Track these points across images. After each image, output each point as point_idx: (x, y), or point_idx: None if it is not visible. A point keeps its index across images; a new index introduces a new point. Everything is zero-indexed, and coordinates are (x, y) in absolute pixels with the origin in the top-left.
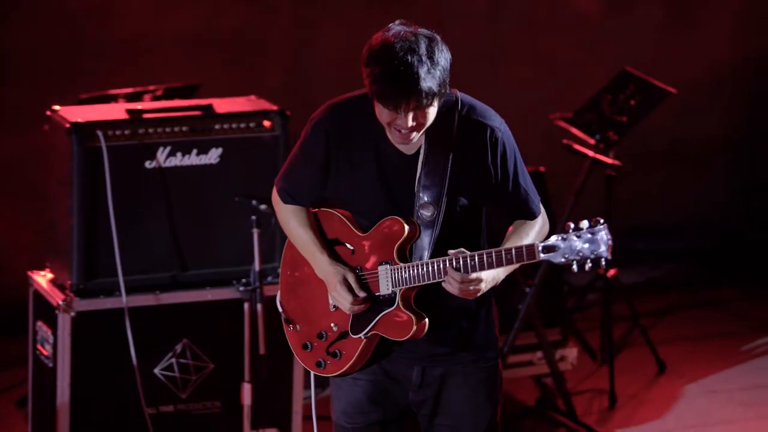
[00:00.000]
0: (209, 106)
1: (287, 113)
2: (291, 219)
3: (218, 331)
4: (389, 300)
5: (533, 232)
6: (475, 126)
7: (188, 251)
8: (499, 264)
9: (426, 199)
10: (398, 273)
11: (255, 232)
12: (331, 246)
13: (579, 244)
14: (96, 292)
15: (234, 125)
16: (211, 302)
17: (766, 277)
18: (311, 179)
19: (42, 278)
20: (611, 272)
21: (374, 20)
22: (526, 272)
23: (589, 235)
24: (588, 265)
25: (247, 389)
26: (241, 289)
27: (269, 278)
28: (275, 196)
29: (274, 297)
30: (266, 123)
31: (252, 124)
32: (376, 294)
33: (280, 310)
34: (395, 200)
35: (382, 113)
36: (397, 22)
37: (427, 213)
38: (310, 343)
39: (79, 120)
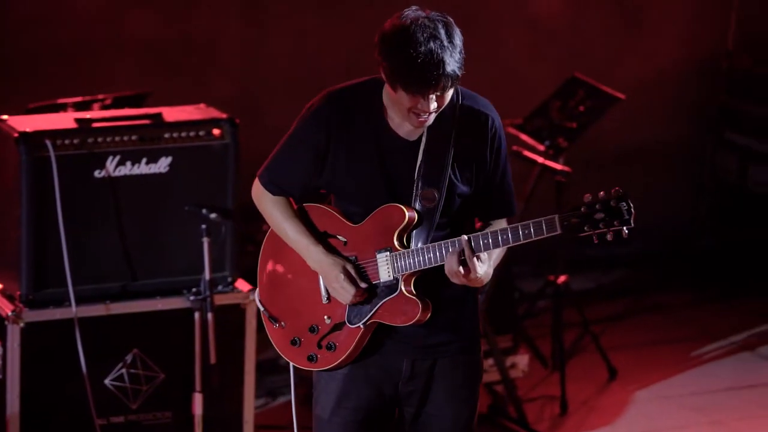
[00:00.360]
0: (159, 115)
1: (237, 121)
2: (277, 211)
3: (169, 340)
4: (391, 287)
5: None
6: (476, 115)
7: (138, 261)
8: (516, 240)
9: (426, 186)
10: (400, 259)
11: (205, 241)
12: (322, 239)
13: (601, 214)
14: (45, 303)
15: (184, 134)
16: (162, 312)
17: (716, 282)
18: (305, 167)
19: None
20: (561, 279)
21: (323, 28)
22: None
23: (612, 206)
24: (609, 236)
25: (198, 399)
26: (192, 298)
27: (219, 287)
28: (258, 189)
29: (225, 306)
30: (216, 131)
31: (202, 133)
32: (375, 282)
33: (262, 308)
34: (394, 187)
35: (402, 99)
36: (412, 7)
37: (427, 200)
38: (298, 339)
39: (28, 129)
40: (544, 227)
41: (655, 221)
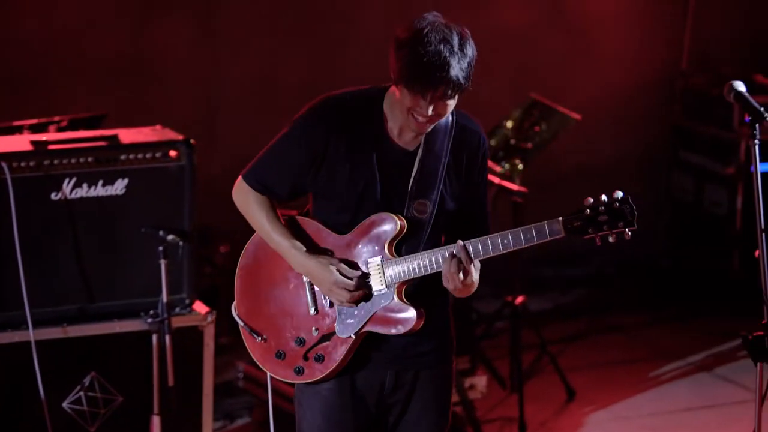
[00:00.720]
0: (115, 137)
1: (193, 143)
2: (261, 211)
3: (126, 363)
4: (383, 295)
5: None
6: (470, 132)
7: (95, 283)
8: (517, 244)
9: (419, 197)
10: (393, 266)
11: (162, 263)
12: (309, 249)
13: (605, 217)
14: (2, 326)
15: (140, 156)
16: (119, 334)
17: (673, 302)
18: (298, 167)
19: None
20: (519, 299)
21: (278, 49)
22: None
23: (615, 208)
24: (611, 238)
25: (156, 422)
26: (149, 320)
27: (177, 309)
28: (243, 188)
29: (183, 328)
30: (172, 153)
31: (158, 155)
32: (365, 292)
33: (241, 323)
34: (388, 195)
35: (405, 98)
36: (433, 12)
37: (420, 210)
38: (283, 352)
39: None
40: (547, 231)
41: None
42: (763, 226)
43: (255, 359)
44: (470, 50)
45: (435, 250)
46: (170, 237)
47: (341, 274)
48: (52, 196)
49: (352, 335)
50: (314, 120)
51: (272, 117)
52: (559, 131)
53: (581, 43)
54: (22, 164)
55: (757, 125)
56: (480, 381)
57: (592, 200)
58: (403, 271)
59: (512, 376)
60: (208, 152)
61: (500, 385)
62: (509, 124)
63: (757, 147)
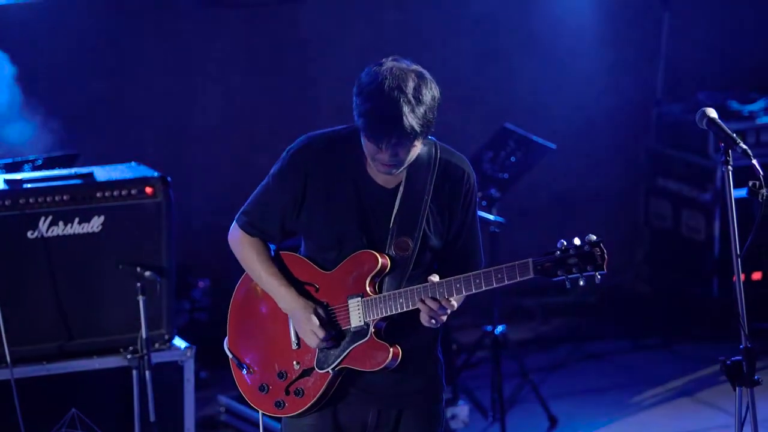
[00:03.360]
0: (90, 174)
1: (169, 179)
2: (252, 253)
3: (107, 399)
4: (361, 332)
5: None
6: (454, 169)
7: (74, 320)
8: (489, 284)
9: (401, 235)
10: (371, 305)
11: (141, 299)
12: (296, 286)
13: (573, 260)
14: None
15: (116, 193)
16: (99, 371)
17: (653, 328)
18: (282, 209)
19: None
20: (499, 329)
21: (251, 85)
22: None
23: (586, 251)
24: (582, 281)
25: None
26: (129, 357)
27: (157, 345)
28: (235, 231)
29: (163, 364)
30: (148, 189)
31: (134, 191)
32: (344, 328)
33: (230, 355)
34: (370, 233)
35: (366, 145)
36: (390, 57)
37: (402, 248)
38: (267, 385)
39: None
40: (517, 271)
41: None
42: (739, 252)
43: (241, 391)
44: (428, 95)
45: (413, 288)
46: (148, 273)
47: (319, 317)
48: (29, 234)
49: (330, 370)
50: (293, 162)
51: (247, 152)
52: (535, 161)
53: (555, 71)
54: None
55: (730, 151)
56: (462, 411)
57: (564, 242)
58: (381, 309)
59: (494, 406)
60: (181, 189)
61: (482, 415)
62: (485, 154)
63: (731, 173)
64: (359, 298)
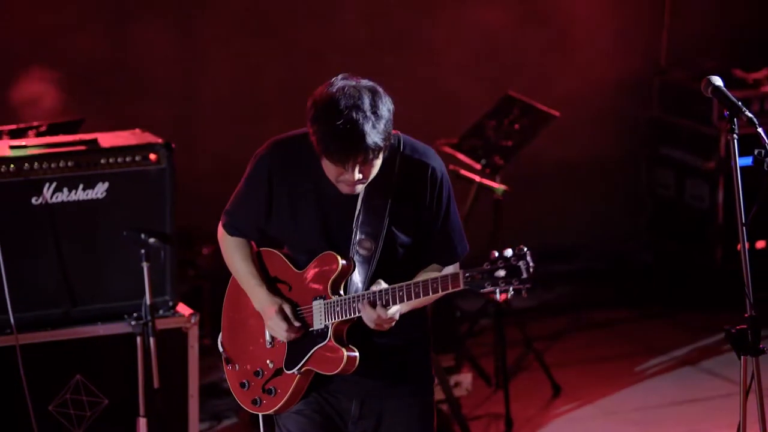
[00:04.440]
0: (94, 141)
1: (173, 146)
2: (234, 252)
3: (111, 366)
4: (322, 334)
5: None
6: (417, 165)
7: (79, 287)
8: (425, 293)
9: (364, 236)
10: (330, 307)
11: (145, 265)
12: (272, 283)
13: (502, 273)
14: None
15: (120, 159)
16: (103, 337)
17: (656, 297)
18: (255, 213)
19: None
20: (502, 297)
21: (257, 52)
22: None
23: (513, 263)
24: (510, 293)
25: (142, 424)
26: (133, 323)
27: (161, 312)
28: (220, 229)
29: (167, 330)
30: (152, 156)
31: (138, 158)
32: (311, 329)
33: (221, 349)
34: (332, 236)
35: (329, 168)
36: (339, 76)
37: (364, 250)
38: (247, 382)
39: None
40: (449, 282)
41: (594, 237)
42: (743, 220)
43: (229, 386)
44: (384, 109)
45: (367, 292)
46: (152, 240)
47: (281, 312)
48: (33, 200)
49: (296, 372)
50: (257, 166)
51: (251, 119)
52: (539, 129)
53: (559, 40)
54: (2, 169)
55: (735, 120)
56: (465, 378)
57: (496, 254)
58: (339, 313)
59: (497, 373)
60: (188, 155)
61: (486, 383)
62: (489, 121)
63: (735, 141)
64: (322, 300)
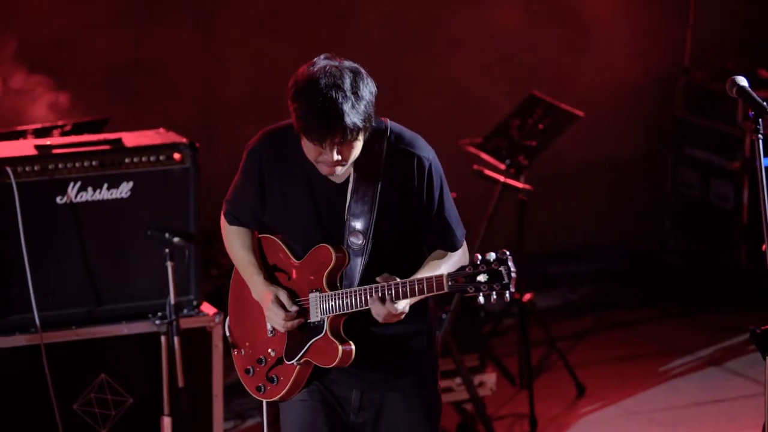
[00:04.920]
0: (119, 140)
1: (197, 145)
2: (234, 240)
3: (136, 365)
4: (318, 327)
5: (446, 265)
6: (403, 155)
7: (103, 286)
8: (412, 294)
9: (355, 226)
10: (326, 301)
11: (169, 264)
12: (270, 271)
13: (484, 277)
14: (11, 329)
15: (144, 158)
16: (128, 336)
17: (681, 297)
18: (251, 203)
19: None
20: (527, 296)
21: (278, 51)
22: (441, 299)
23: (494, 268)
24: (493, 297)
25: (166, 423)
26: (158, 322)
27: (185, 311)
28: (221, 218)
29: (191, 329)
30: (176, 156)
31: (162, 157)
32: (308, 321)
33: (227, 333)
34: (325, 227)
35: (308, 148)
36: (322, 56)
37: (356, 241)
38: (252, 368)
39: None
40: (434, 285)
41: (619, 237)
42: None
43: (237, 372)
44: (366, 90)
45: (360, 288)
46: (176, 239)
47: (277, 300)
48: (58, 200)
49: (295, 363)
50: (248, 158)
51: (272, 117)
52: (562, 129)
53: (582, 40)
54: (27, 169)
55: (760, 120)
56: (489, 378)
57: (479, 258)
58: (334, 307)
59: (522, 373)
60: (210, 154)
61: (510, 382)
62: (513, 121)
63: (760, 142)
64: (318, 293)
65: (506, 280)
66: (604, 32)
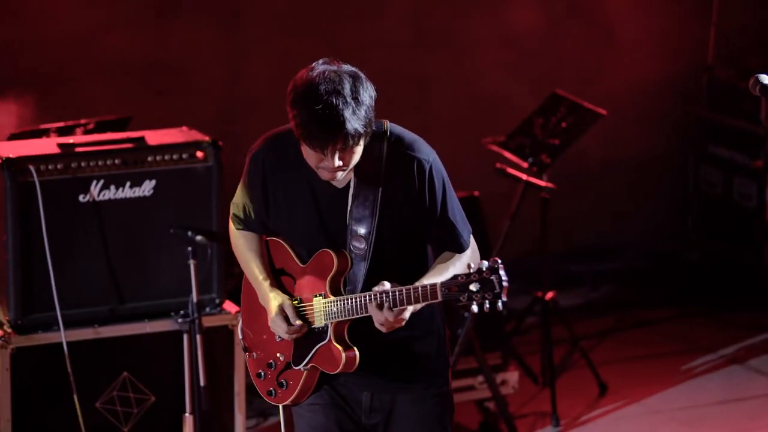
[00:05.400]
0: (142, 139)
1: (220, 144)
2: (241, 245)
3: (158, 363)
4: (323, 333)
5: (453, 267)
6: (403, 157)
7: (125, 284)
8: (408, 302)
9: (358, 231)
10: (329, 306)
11: (191, 263)
12: (277, 275)
13: (476, 286)
14: (34, 327)
15: (167, 157)
16: (150, 334)
17: (703, 296)
18: (255, 209)
19: None
20: (549, 295)
21: (301, 49)
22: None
23: (486, 277)
24: (486, 306)
25: (188, 421)
26: (180, 320)
27: (207, 309)
28: (230, 224)
29: (213, 328)
30: (199, 154)
31: (185, 156)
32: (313, 327)
33: (240, 337)
34: (328, 232)
35: (308, 154)
36: (321, 60)
37: (359, 245)
38: (263, 372)
39: (11, 155)
40: (428, 293)
41: (641, 236)
42: None
43: (250, 375)
44: (366, 95)
45: (364, 294)
46: (199, 237)
47: (281, 311)
48: (80, 198)
49: (302, 368)
50: (252, 161)
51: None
52: (585, 127)
53: (604, 38)
54: (50, 167)
55: None
56: (512, 377)
57: (471, 267)
58: (337, 312)
59: (544, 371)
60: (232, 152)
61: (532, 381)
62: (536, 120)
63: None
64: (321, 298)
65: (497, 290)
66: (627, 30)
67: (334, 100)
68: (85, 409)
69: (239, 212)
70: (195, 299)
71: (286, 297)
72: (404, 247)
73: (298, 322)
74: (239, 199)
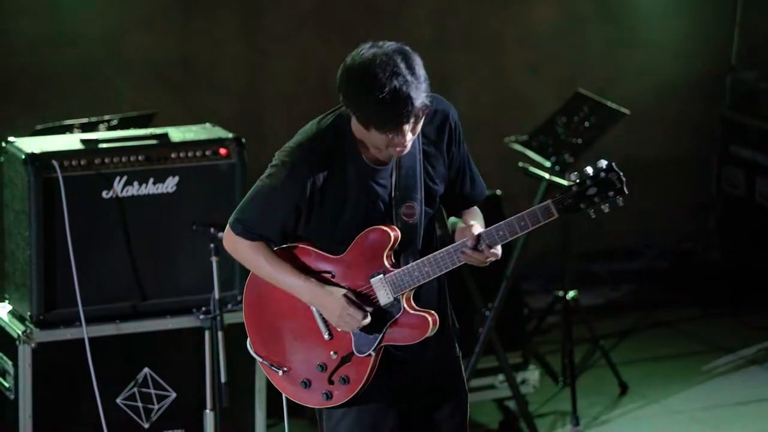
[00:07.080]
0: (165, 135)
1: (243, 141)
2: (259, 256)
3: (179, 359)
4: (393, 308)
5: (479, 216)
6: (434, 115)
7: (147, 280)
8: (513, 234)
9: (405, 200)
10: (396, 278)
11: (214, 260)
12: (310, 276)
13: (593, 190)
14: (56, 323)
15: (190, 153)
16: (172, 331)
17: (723, 297)
18: (283, 217)
19: (1, 309)
20: (570, 294)
21: (325, 47)
22: (485, 296)
23: (601, 178)
24: (606, 209)
25: (209, 417)
26: (202, 317)
27: (229, 306)
28: (232, 238)
29: (235, 324)
30: (222, 151)
31: (208, 152)
32: (375, 308)
33: (259, 359)
34: (378, 212)
35: (377, 139)
36: (363, 47)
37: (408, 214)
38: (308, 380)
39: (35, 151)
40: (539, 215)
41: (663, 236)
42: None
43: (283, 393)
44: (418, 66)
45: (434, 255)
46: (221, 234)
47: (350, 300)
48: (104, 194)
49: (372, 353)
50: (294, 175)
51: (318, 114)
52: (608, 126)
53: (627, 38)
54: (73, 163)
55: None
56: (532, 375)
57: (577, 174)
58: (408, 282)
59: (564, 371)
60: (255, 149)
61: (552, 380)
62: (559, 119)
63: None
64: (381, 276)
65: (618, 185)
66: (650, 30)
67: (397, 83)
68: (106, 404)
69: (254, 224)
70: (217, 296)
71: (339, 288)
72: (447, 193)
73: (369, 308)
74: (258, 209)
